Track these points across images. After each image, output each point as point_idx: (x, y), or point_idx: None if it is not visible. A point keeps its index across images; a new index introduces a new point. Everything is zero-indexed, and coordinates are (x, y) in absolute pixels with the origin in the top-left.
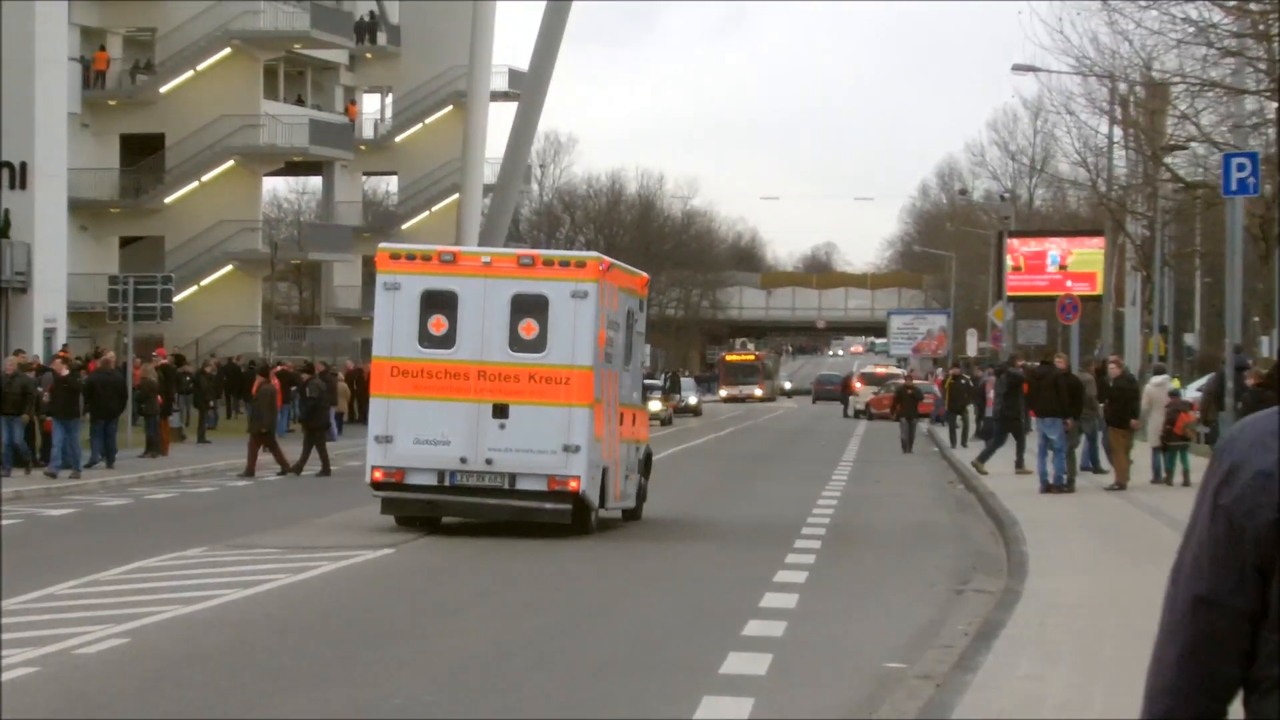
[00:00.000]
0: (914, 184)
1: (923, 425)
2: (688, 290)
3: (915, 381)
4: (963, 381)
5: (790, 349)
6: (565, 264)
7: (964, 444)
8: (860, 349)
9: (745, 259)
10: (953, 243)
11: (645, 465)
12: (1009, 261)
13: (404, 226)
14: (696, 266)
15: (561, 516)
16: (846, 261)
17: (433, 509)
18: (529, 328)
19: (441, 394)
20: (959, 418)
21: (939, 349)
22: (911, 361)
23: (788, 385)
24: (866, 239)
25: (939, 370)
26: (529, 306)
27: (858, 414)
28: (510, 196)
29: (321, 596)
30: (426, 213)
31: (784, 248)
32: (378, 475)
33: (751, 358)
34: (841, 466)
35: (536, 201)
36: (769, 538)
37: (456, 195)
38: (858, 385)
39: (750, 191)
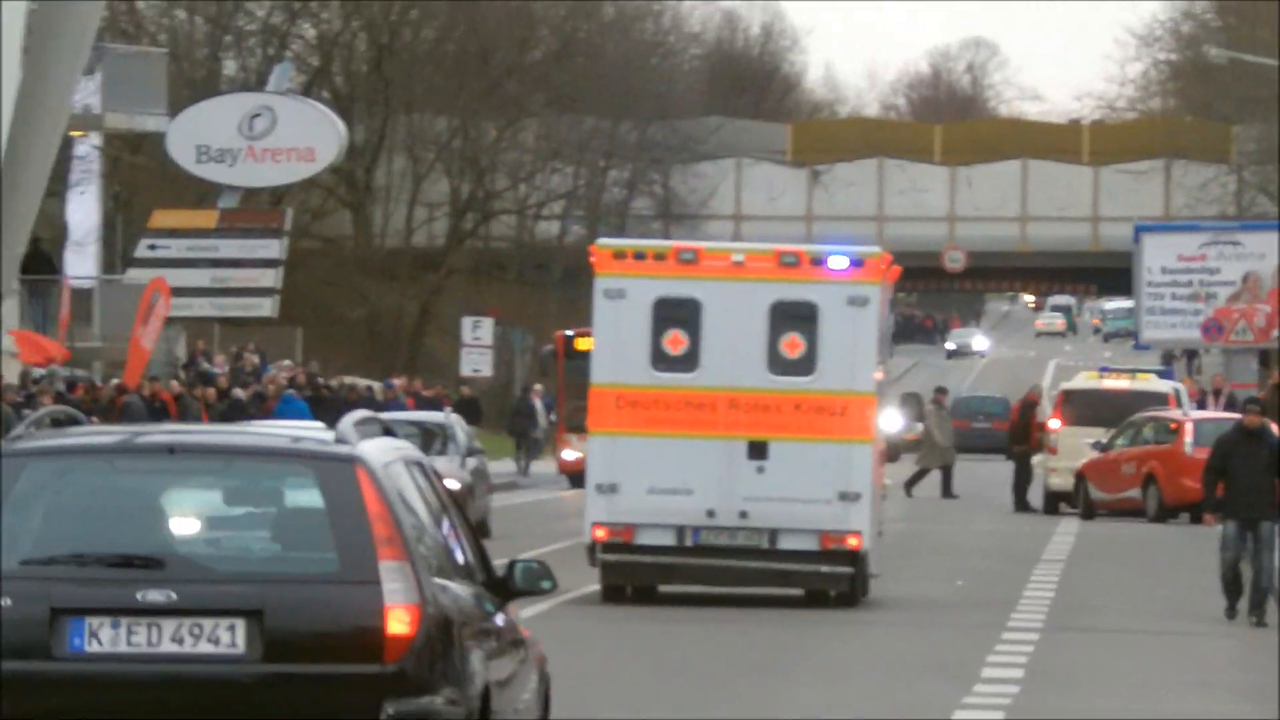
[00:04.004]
0: None
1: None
2: (595, 169)
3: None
4: None
5: None
6: (839, 263)
7: None
8: (1059, 324)
9: (750, 87)
10: None
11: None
12: None
13: None
14: (616, 105)
15: (840, 583)
16: (1022, 90)
17: (669, 575)
18: (794, 344)
19: (682, 429)
20: None
21: (1277, 324)
22: (1203, 358)
23: None
24: (1074, 33)
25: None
26: (793, 317)
27: (1054, 501)
28: None
29: None
30: None
31: (854, 58)
32: (600, 534)
33: None
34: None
35: None
36: None
37: None
38: (1053, 424)
39: None
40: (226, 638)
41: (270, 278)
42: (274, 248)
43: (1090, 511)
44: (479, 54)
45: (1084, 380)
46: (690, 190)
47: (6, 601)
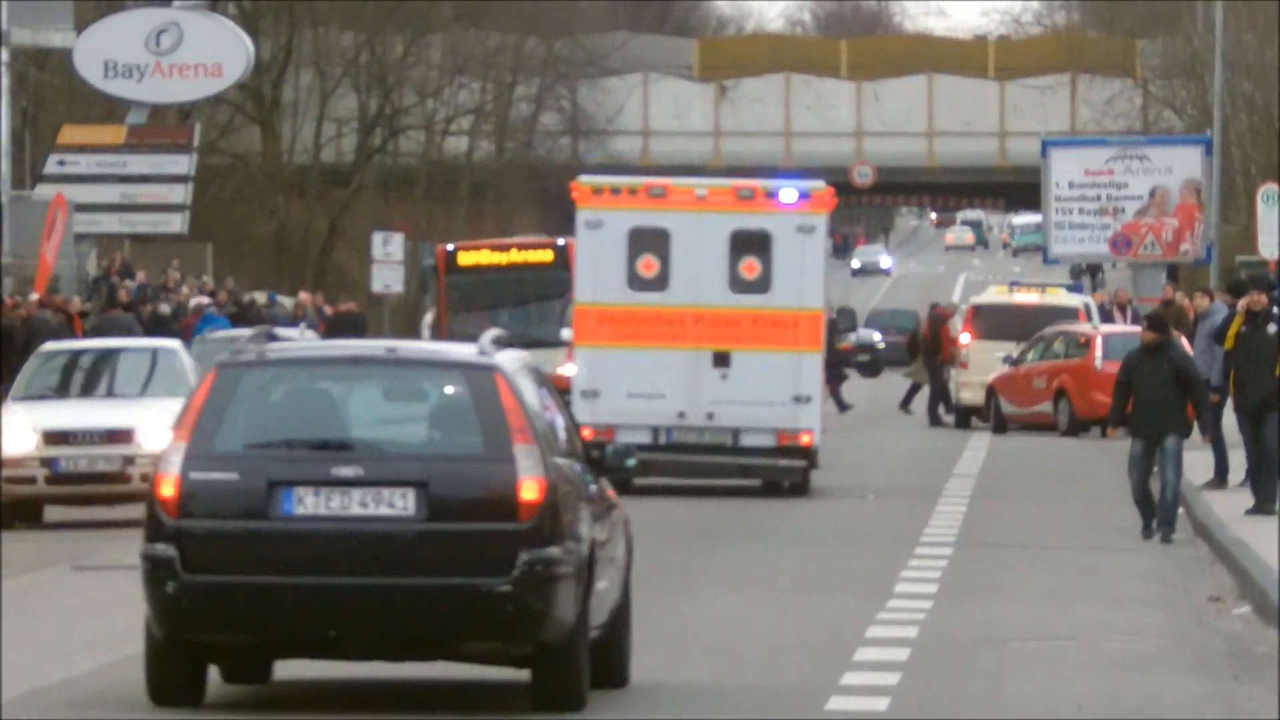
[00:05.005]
0: None
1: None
2: (502, 85)
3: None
4: None
5: None
6: (790, 196)
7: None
8: (969, 239)
9: (655, 2)
10: None
11: None
12: None
13: None
14: (522, 21)
15: (794, 475)
16: (927, 6)
17: (645, 470)
18: (750, 266)
19: (655, 342)
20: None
21: (1185, 238)
22: (1107, 274)
23: None
24: None
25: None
26: (750, 243)
27: (965, 415)
28: None
29: None
30: None
31: None
32: (586, 434)
33: (548, 254)
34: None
35: None
36: None
37: None
38: (963, 340)
39: None
40: (400, 503)
41: (179, 194)
42: (182, 163)
43: (1002, 426)
44: None
45: (994, 295)
46: (597, 105)
47: (236, 476)
